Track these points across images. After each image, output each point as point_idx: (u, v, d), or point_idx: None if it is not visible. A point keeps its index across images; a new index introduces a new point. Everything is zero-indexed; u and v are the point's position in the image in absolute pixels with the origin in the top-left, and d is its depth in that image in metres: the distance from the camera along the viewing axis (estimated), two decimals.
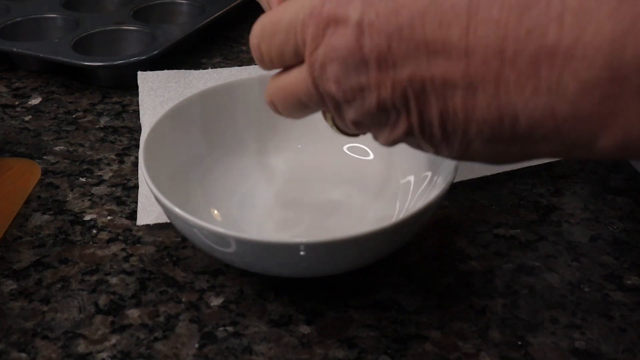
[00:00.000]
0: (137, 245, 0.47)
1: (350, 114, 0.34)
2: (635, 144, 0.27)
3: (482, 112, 0.30)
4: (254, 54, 0.37)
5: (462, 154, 0.33)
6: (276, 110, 0.39)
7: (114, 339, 0.40)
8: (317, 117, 0.53)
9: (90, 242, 0.47)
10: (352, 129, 0.36)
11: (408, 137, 0.34)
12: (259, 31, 0.36)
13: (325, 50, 0.32)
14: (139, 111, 0.62)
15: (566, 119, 0.28)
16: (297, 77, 0.35)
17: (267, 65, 0.37)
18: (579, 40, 0.26)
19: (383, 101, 0.32)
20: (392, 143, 0.35)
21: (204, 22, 0.76)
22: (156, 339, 0.40)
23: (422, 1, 0.30)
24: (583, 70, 0.26)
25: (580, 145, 0.28)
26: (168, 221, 0.47)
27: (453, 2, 0.29)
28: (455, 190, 0.51)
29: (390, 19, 0.30)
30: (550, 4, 0.27)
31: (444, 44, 0.30)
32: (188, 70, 0.66)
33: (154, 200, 0.49)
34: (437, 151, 0.34)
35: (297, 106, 0.37)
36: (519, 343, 0.39)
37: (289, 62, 0.36)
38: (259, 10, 0.61)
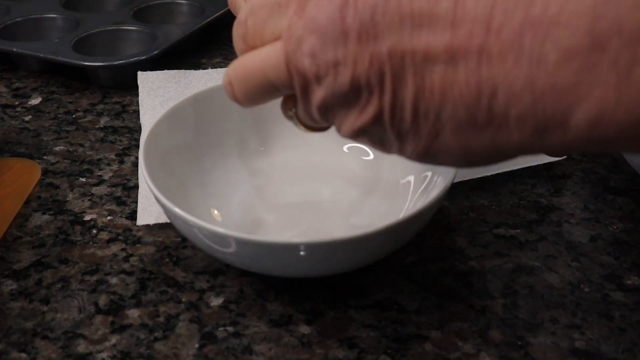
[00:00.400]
0: (137, 245, 0.47)
1: (319, 94, 0.33)
2: (608, 119, 0.27)
3: (460, 89, 0.29)
4: (239, 30, 0.36)
5: (428, 148, 0.32)
6: (232, 92, 0.37)
7: (114, 339, 0.40)
8: None
9: (90, 242, 0.47)
10: (316, 117, 0.35)
11: (374, 125, 0.33)
12: (249, 8, 0.35)
13: (305, 22, 0.32)
14: (139, 111, 0.62)
15: (544, 91, 0.27)
16: (268, 53, 0.34)
17: (247, 42, 0.36)
18: (565, 8, 0.27)
19: (357, 77, 0.31)
20: (355, 132, 0.34)
21: (204, 22, 0.76)
22: (156, 339, 0.40)
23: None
24: (565, 37, 0.27)
25: (554, 125, 0.28)
26: (168, 221, 0.47)
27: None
28: (455, 190, 0.51)
29: None
30: None
31: (430, 16, 0.29)
32: (188, 71, 0.66)
33: (154, 200, 0.49)
34: (401, 144, 0.33)
35: (259, 87, 0.35)
36: (519, 343, 0.39)
37: (267, 39, 0.35)
38: None
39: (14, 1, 0.81)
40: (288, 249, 0.38)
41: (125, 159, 0.57)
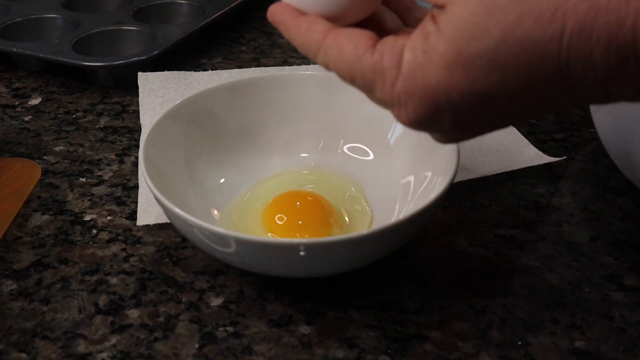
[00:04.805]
0: (137, 245, 0.47)
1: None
2: None
3: None
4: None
5: None
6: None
7: (114, 339, 0.40)
8: (317, 118, 0.53)
9: (90, 242, 0.47)
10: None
11: None
12: (342, 71, 0.35)
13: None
14: (139, 111, 0.62)
15: None
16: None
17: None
18: None
19: None
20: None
21: (204, 22, 0.76)
22: (156, 339, 0.40)
23: (515, 88, 0.30)
24: None
25: None
26: (168, 221, 0.47)
27: (545, 78, 0.30)
28: (455, 190, 0.51)
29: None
30: None
31: None
32: (188, 72, 0.66)
33: (154, 200, 0.49)
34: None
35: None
36: (519, 343, 0.39)
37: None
38: (259, 11, 0.61)
39: (14, 1, 0.81)
40: (288, 249, 0.38)
41: (125, 159, 0.57)
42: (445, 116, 0.32)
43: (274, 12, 0.38)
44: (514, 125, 0.35)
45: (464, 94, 0.31)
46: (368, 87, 0.34)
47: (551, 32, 0.28)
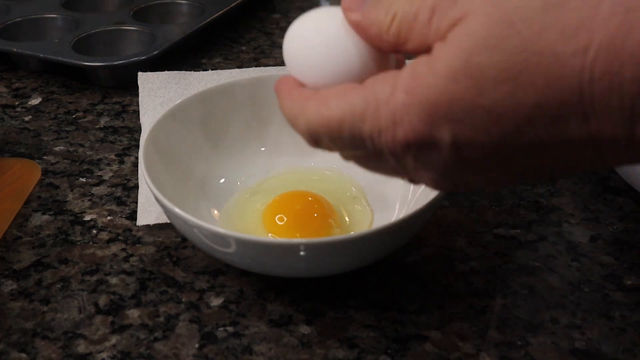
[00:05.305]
0: (137, 245, 0.47)
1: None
2: None
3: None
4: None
5: None
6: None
7: (114, 339, 0.40)
8: None
9: (90, 242, 0.47)
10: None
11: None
12: (320, 127, 0.31)
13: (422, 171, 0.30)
14: (139, 111, 0.62)
15: None
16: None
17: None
18: None
19: None
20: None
21: (204, 22, 0.76)
22: (156, 339, 0.40)
23: (526, 105, 0.27)
24: None
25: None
26: (168, 221, 0.47)
27: (562, 97, 0.26)
28: None
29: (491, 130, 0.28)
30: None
31: (563, 134, 0.27)
32: (188, 72, 0.66)
33: (154, 200, 0.49)
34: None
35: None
36: (519, 343, 0.39)
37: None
38: (259, 11, 0.61)
39: (14, 1, 0.81)
40: (288, 249, 0.38)
41: (125, 159, 0.57)
42: (444, 133, 0.28)
43: (276, 82, 0.35)
44: (517, 181, 0.32)
45: (467, 106, 0.27)
46: (358, 125, 0.30)
47: (575, 45, 0.25)
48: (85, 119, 0.63)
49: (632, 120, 0.26)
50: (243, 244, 0.38)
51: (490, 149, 0.28)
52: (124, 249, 0.47)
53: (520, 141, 0.28)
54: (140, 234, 0.48)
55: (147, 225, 0.49)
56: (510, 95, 0.27)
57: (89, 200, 0.52)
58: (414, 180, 0.33)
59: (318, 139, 0.32)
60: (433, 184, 0.32)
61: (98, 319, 0.41)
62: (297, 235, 0.45)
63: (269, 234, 0.46)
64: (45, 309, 0.42)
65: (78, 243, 0.47)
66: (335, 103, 0.31)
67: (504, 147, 0.28)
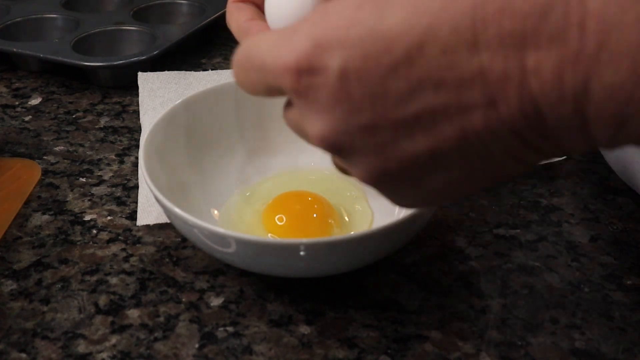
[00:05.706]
0: (137, 245, 0.47)
1: None
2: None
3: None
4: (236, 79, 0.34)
5: None
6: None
7: (114, 339, 0.40)
8: None
9: (90, 242, 0.47)
10: None
11: None
12: (237, 60, 0.33)
13: (306, 106, 0.30)
14: (139, 111, 0.62)
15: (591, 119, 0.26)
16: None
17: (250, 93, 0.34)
18: (604, 46, 0.25)
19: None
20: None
21: (204, 22, 0.76)
22: (156, 339, 0.40)
23: (419, 28, 0.27)
24: (608, 75, 0.25)
25: (582, 140, 0.27)
26: (168, 221, 0.47)
27: (453, 24, 0.26)
28: None
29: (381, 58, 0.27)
30: (569, 10, 0.25)
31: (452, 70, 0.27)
32: (188, 72, 0.66)
33: (154, 200, 0.49)
34: None
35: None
36: (519, 343, 0.39)
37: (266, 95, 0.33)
38: None
39: (14, 1, 0.81)
40: (288, 249, 0.38)
41: (125, 159, 0.57)
42: (334, 60, 0.28)
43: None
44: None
45: (363, 31, 0.27)
46: (259, 46, 0.31)
47: None
48: (85, 119, 0.63)
49: (523, 47, 0.25)
50: (243, 244, 0.38)
51: (378, 85, 0.27)
52: (124, 249, 0.47)
53: (409, 74, 0.27)
54: (140, 234, 0.48)
55: (147, 225, 0.49)
56: (405, 19, 0.27)
57: (89, 200, 0.52)
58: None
59: (235, 69, 0.33)
60: (309, 137, 0.31)
61: (98, 319, 0.41)
62: (297, 235, 0.45)
63: (269, 234, 0.46)
64: (45, 309, 0.42)
65: (78, 243, 0.47)
66: (263, 34, 0.32)
67: (393, 86, 0.27)
